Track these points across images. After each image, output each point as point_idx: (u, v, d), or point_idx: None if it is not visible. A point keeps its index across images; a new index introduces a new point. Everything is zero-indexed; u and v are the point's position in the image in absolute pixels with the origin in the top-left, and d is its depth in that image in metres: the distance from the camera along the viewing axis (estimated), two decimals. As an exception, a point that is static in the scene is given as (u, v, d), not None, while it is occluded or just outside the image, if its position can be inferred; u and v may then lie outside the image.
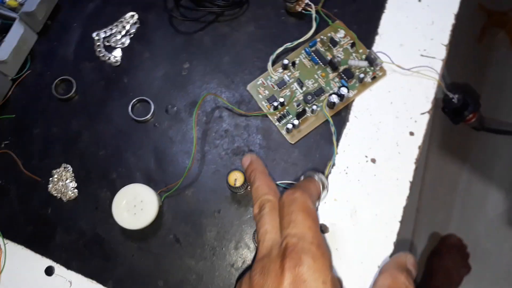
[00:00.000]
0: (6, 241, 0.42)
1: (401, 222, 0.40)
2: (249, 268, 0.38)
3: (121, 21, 0.48)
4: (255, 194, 0.32)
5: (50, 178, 0.43)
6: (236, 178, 0.39)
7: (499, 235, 1.07)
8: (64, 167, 0.43)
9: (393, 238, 0.40)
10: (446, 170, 1.10)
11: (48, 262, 0.41)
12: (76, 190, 0.43)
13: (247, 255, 0.40)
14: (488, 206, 1.09)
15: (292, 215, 0.28)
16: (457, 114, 0.46)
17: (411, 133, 0.43)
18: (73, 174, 0.43)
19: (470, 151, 1.10)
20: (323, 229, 0.40)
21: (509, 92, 1.15)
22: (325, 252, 0.26)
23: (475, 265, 1.02)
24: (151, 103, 0.45)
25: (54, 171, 0.43)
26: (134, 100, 0.44)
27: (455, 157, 1.10)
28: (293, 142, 0.43)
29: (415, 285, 0.28)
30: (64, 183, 0.42)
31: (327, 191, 0.38)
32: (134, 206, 0.39)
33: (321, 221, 0.40)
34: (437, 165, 1.10)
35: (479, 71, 1.17)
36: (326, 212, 0.40)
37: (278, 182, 0.42)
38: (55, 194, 0.42)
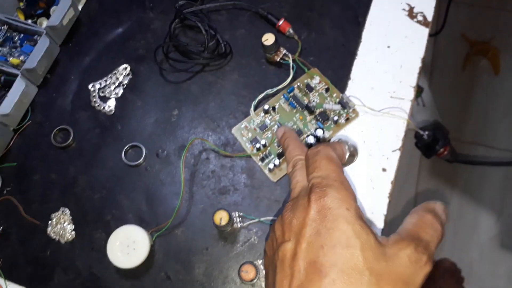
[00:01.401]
0: (7, 282, 0.45)
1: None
2: None
3: (115, 73, 0.53)
4: (288, 156, 0.36)
5: (49, 222, 0.46)
6: (221, 218, 0.42)
7: (493, 259, 1.08)
8: (62, 211, 0.46)
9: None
10: (437, 196, 1.12)
11: (47, 302, 0.44)
12: (73, 232, 0.46)
13: (234, 289, 0.42)
14: (480, 230, 1.11)
15: (316, 163, 0.30)
16: (429, 149, 0.50)
17: (384, 169, 0.46)
18: (70, 217, 0.46)
19: (460, 176, 1.13)
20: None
21: (493, 117, 1.19)
22: (348, 187, 0.28)
23: (469, 290, 1.03)
24: (143, 148, 0.48)
25: (53, 215, 0.46)
26: (127, 146, 0.48)
27: (445, 183, 1.13)
28: (275, 180, 0.46)
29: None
30: (62, 226, 0.45)
31: (357, 157, 0.39)
32: (127, 246, 0.42)
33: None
34: (428, 191, 1.12)
35: (464, 98, 1.21)
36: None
37: (262, 219, 0.45)
38: (54, 237, 0.45)
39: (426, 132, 0.48)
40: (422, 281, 0.26)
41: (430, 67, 1.24)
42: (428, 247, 0.27)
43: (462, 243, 1.10)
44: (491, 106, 1.20)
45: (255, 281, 0.42)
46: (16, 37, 0.53)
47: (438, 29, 1.17)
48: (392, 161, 0.46)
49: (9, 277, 0.45)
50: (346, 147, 0.36)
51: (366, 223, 0.26)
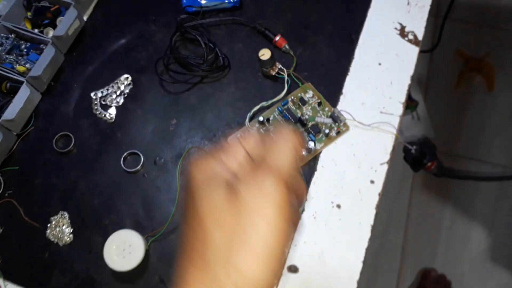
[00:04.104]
0: (6, 282, 0.46)
1: (363, 262, 0.45)
2: None
3: (117, 82, 0.55)
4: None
5: (48, 225, 0.48)
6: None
7: (484, 272, 1.10)
8: (61, 214, 0.48)
9: (357, 277, 0.44)
10: (429, 209, 1.14)
11: (44, 302, 0.45)
12: (71, 235, 0.47)
13: (225, 294, 0.44)
14: (471, 243, 1.13)
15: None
16: (417, 163, 0.52)
17: (372, 181, 0.48)
18: (69, 221, 0.48)
19: (452, 189, 1.15)
20: (293, 269, 0.45)
21: (487, 132, 1.21)
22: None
23: (460, 303, 1.05)
24: (141, 155, 0.50)
25: (52, 218, 0.48)
26: (126, 153, 0.50)
27: (438, 196, 1.15)
28: (267, 190, 0.48)
29: None
30: (61, 229, 0.47)
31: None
32: (123, 250, 0.44)
33: (291, 262, 0.45)
34: (421, 204, 1.14)
35: (458, 113, 1.24)
36: (296, 254, 0.45)
37: (253, 227, 0.46)
38: (52, 239, 0.47)
39: (414, 147, 0.50)
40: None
41: (426, 82, 1.27)
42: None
43: (453, 256, 1.12)
44: (485, 121, 1.23)
45: None
46: (23, 46, 0.55)
47: (434, 45, 1.20)
48: (380, 173, 0.48)
49: (8, 278, 0.46)
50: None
51: None
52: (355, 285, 0.44)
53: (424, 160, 0.52)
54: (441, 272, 1.08)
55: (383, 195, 0.48)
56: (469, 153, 1.19)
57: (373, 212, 0.47)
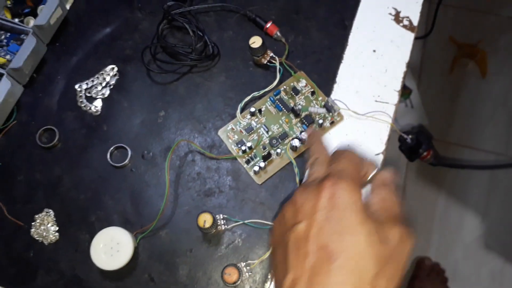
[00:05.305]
0: (-10, 283, 0.45)
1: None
2: None
3: (102, 73, 0.52)
4: (312, 150, 0.37)
5: (33, 223, 0.46)
6: (205, 220, 0.42)
7: (477, 259, 1.10)
8: (46, 212, 0.46)
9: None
10: (423, 198, 1.14)
11: (30, 303, 0.44)
12: (57, 234, 0.45)
13: (218, 291, 0.43)
14: (465, 231, 1.13)
15: (339, 158, 0.32)
16: (412, 152, 0.51)
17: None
18: (54, 218, 0.46)
19: (446, 178, 1.14)
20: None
21: (479, 119, 1.21)
22: (358, 186, 0.29)
23: (454, 290, 1.05)
24: (128, 149, 0.48)
25: (37, 216, 0.46)
26: (112, 147, 0.48)
27: (432, 184, 1.14)
28: (260, 183, 0.47)
29: None
30: (45, 227, 0.45)
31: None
32: (111, 248, 0.42)
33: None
34: (415, 193, 1.14)
35: (452, 100, 1.23)
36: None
37: (246, 221, 0.45)
38: (37, 238, 0.45)
39: (410, 136, 0.49)
40: (410, 253, 0.28)
41: (419, 69, 1.25)
42: (403, 220, 0.29)
43: (447, 244, 1.12)
44: (478, 108, 1.22)
45: (237, 283, 0.42)
46: (3, 36, 0.53)
47: (427, 31, 1.18)
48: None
49: (-8, 278, 0.45)
50: (374, 172, 0.35)
51: (369, 214, 0.28)
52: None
53: (420, 149, 0.50)
54: (435, 260, 1.08)
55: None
56: (462, 140, 1.18)
57: (369, 204, 0.45)
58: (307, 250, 0.26)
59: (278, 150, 0.47)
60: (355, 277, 0.25)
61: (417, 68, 1.25)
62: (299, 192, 0.30)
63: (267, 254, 0.43)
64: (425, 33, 1.20)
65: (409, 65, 0.51)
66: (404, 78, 0.51)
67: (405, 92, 1.15)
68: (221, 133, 0.49)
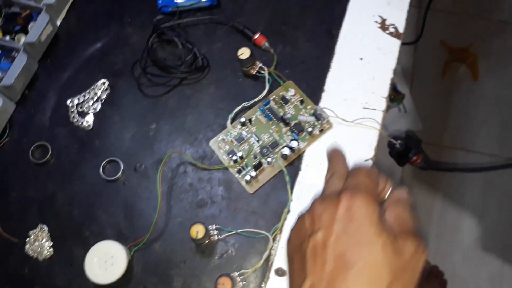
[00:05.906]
0: (-15, 301, 0.45)
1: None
2: None
3: (93, 88, 0.53)
4: (331, 165, 0.37)
5: (27, 239, 0.46)
6: (197, 231, 0.42)
7: (475, 262, 1.10)
8: (40, 228, 0.47)
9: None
10: (419, 202, 1.14)
11: (25, 319, 0.44)
12: (51, 249, 0.46)
13: (212, 302, 0.43)
14: (462, 233, 1.13)
15: (357, 173, 0.33)
16: (402, 157, 0.51)
17: (358, 179, 0.47)
18: (48, 234, 0.46)
19: (442, 181, 1.15)
20: (280, 273, 0.44)
21: (473, 121, 1.22)
22: (375, 199, 0.30)
23: (453, 293, 1.05)
24: (121, 163, 0.49)
25: (31, 232, 0.46)
26: (105, 161, 0.48)
27: (428, 187, 1.15)
28: (252, 192, 0.47)
29: None
30: (40, 243, 0.46)
31: None
32: (105, 261, 0.43)
33: (279, 265, 0.44)
34: (411, 197, 1.14)
35: (445, 103, 1.24)
36: (284, 257, 0.44)
37: (239, 231, 0.45)
38: (32, 254, 0.45)
39: (398, 141, 0.49)
40: (423, 265, 0.29)
41: (411, 74, 1.27)
42: (418, 233, 0.30)
43: (445, 246, 1.12)
44: (471, 111, 1.23)
45: None
46: (-6, 54, 0.54)
47: (418, 36, 1.20)
48: (366, 170, 0.47)
49: (-14, 295, 0.45)
50: (390, 190, 0.35)
51: (385, 227, 0.29)
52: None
53: (409, 154, 0.51)
54: (433, 263, 1.08)
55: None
56: (456, 143, 1.19)
57: (360, 210, 0.46)
58: (325, 258, 0.28)
59: (269, 159, 0.48)
60: (371, 284, 0.26)
61: (409, 73, 1.26)
62: (318, 202, 0.31)
63: (260, 263, 0.44)
64: (416, 39, 1.21)
65: (401, 70, 0.52)
66: (391, 84, 0.52)
67: (398, 97, 1.16)
68: (212, 143, 0.50)
